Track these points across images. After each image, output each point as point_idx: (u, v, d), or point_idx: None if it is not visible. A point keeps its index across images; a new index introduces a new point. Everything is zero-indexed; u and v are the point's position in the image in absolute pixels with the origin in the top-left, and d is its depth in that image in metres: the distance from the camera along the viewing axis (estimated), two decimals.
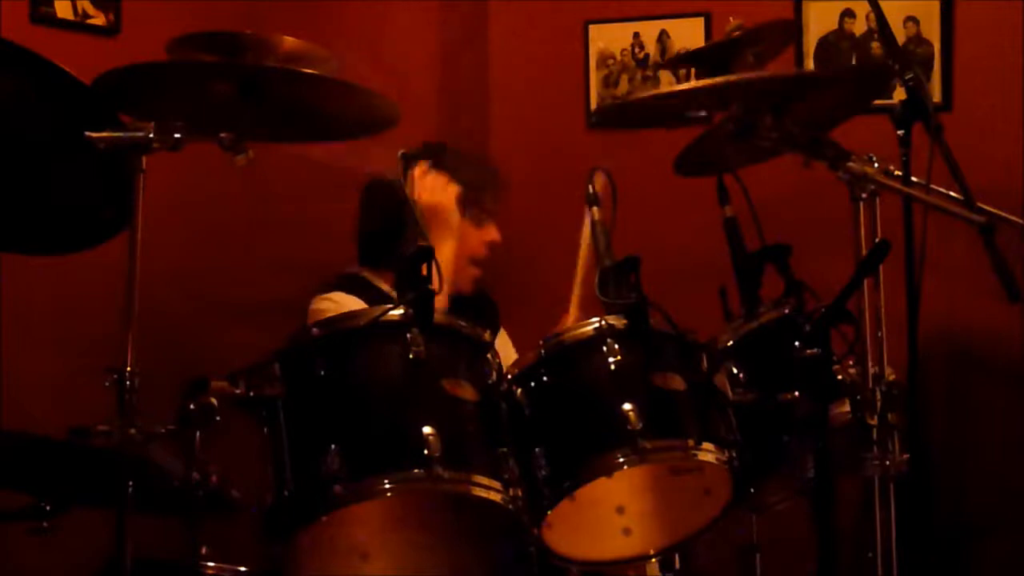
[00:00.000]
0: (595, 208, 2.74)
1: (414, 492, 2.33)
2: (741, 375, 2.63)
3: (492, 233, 3.33)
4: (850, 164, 2.53)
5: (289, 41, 2.49)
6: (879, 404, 2.49)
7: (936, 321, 3.10)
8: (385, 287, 3.22)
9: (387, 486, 2.26)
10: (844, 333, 2.53)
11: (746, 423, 2.56)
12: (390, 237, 2.98)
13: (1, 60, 2.45)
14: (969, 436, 3.60)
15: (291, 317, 3.16)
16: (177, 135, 2.33)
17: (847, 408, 2.54)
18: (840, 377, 2.57)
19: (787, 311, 2.66)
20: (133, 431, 2.25)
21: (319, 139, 2.71)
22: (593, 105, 3.87)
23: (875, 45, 3.63)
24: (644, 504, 2.60)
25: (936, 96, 3.55)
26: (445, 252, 3.05)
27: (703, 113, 2.60)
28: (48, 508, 2.55)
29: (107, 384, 2.28)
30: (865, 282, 2.48)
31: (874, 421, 2.48)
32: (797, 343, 2.43)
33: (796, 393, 2.53)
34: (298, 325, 2.50)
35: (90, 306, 3.18)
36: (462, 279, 3.26)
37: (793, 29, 3.52)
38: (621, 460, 2.39)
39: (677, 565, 2.76)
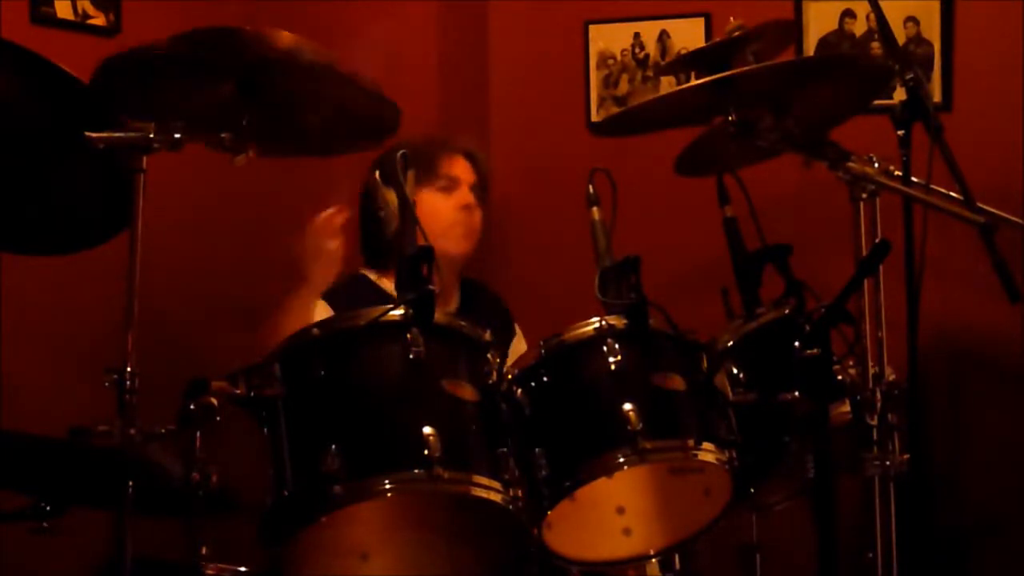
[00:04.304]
0: (595, 208, 2.74)
1: (414, 492, 2.33)
2: (741, 375, 2.63)
3: (461, 197, 3.26)
4: (850, 164, 2.53)
5: (289, 39, 2.48)
6: (879, 404, 2.49)
7: (936, 321, 3.10)
8: (388, 287, 3.21)
9: (387, 486, 2.26)
10: (844, 333, 2.53)
11: (746, 423, 2.56)
12: (389, 237, 3.01)
13: (1, 60, 2.45)
14: (969, 436, 3.60)
15: None
16: (177, 135, 2.32)
17: (847, 408, 2.54)
18: (840, 377, 2.57)
19: (787, 311, 2.66)
20: (133, 431, 2.25)
21: (319, 139, 2.71)
22: (593, 105, 3.87)
23: (875, 45, 3.63)
24: (644, 504, 2.60)
25: (936, 96, 3.55)
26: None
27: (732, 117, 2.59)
28: (48, 508, 2.55)
29: (107, 384, 2.27)
30: (865, 282, 2.48)
31: (874, 421, 2.49)
32: (797, 343, 2.43)
33: (796, 393, 2.52)
34: None
35: (90, 306, 3.18)
36: (450, 243, 3.19)
37: (793, 29, 3.52)
38: (621, 460, 2.39)
39: (677, 565, 2.76)
